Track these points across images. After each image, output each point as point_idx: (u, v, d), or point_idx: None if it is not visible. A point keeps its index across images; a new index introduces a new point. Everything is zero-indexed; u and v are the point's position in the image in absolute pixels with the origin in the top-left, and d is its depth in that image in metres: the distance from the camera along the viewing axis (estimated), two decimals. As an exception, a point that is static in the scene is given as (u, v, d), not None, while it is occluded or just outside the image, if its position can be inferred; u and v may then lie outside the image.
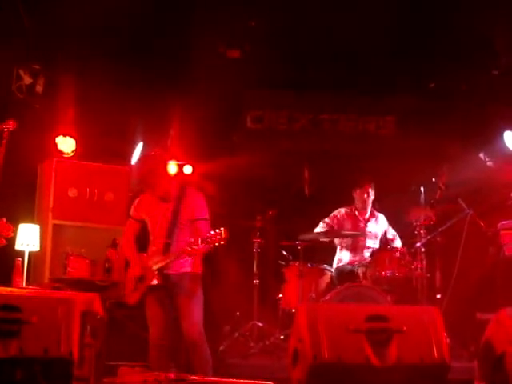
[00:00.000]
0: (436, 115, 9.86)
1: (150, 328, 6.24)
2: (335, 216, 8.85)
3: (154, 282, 6.11)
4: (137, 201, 6.48)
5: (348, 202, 8.95)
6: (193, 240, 5.89)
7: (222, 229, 5.85)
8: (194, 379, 4.78)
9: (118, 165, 8.93)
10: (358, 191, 8.82)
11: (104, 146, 8.99)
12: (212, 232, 5.85)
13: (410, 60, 9.29)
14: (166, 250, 6.15)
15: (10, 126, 5.81)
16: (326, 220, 8.81)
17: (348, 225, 8.77)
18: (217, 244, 5.89)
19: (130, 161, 9.37)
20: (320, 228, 8.75)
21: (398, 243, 8.83)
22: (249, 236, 8.68)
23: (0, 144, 5.74)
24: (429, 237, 8.25)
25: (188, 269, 6.23)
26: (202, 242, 5.83)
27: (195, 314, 6.18)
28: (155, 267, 6.11)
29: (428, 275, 8.20)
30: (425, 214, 8.30)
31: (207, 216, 6.30)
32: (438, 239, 8.31)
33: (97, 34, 8.39)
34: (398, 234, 8.91)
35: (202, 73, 9.22)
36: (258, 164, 9.42)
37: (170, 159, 6.36)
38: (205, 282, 6.38)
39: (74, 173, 8.54)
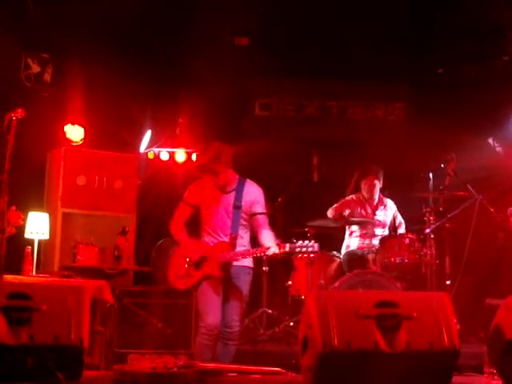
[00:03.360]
0: (445, 101, 9.82)
1: (204, 316, 6.01)
2: (345, 202, 8.84)
3: (217, 274, 5.96)
4: (193, 186, 6.30)
5: (356, 188, 8.94)
6: (278, 245, 5.83)
7: (313, 243, 5.78)
8: (203, 366, 4.77)
9: (126, 153, 8.95)
10: (363, 182, 8.80)
11: (112, 134, 9.00)
12: (303, 242, 5.79)
13: (418, 46, 9.26)
14: (233, 243, 6.06)
15: (18, 114, 5.80)
16: (336, 205, 8.81)
17: (357, 212, 8.75)
18: (305, 256, 5.93)
19: (138, 149, 9.39)
20: (331, 211, 8.76)
21: (401, 231, 8.81)
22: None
23: (9, 132, 5.74)
24: (438, 223, 8.23)
25: (248, 263, 6.19)
26: (289, 249, 5.78)
27: (243, 309, 6.19)
28: (222, 260, 5.99)
29: (437, 261, 8.18)
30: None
31: (266, 210, 6.25)
32: (448, 225, 8.29)
33: (105, 22, 8.39)
34: (407, 220, 8.89)
35: (210, 60, 9.22)
36: (267, 151, 9.40)
37: (234, 152, 6.23)
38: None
39: (82, 161, 8.56)
